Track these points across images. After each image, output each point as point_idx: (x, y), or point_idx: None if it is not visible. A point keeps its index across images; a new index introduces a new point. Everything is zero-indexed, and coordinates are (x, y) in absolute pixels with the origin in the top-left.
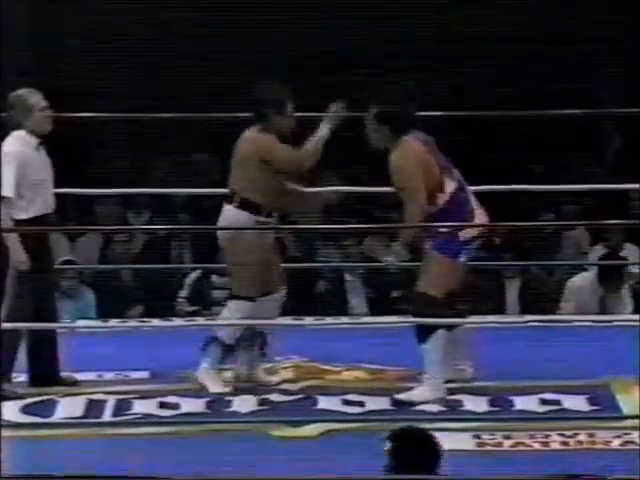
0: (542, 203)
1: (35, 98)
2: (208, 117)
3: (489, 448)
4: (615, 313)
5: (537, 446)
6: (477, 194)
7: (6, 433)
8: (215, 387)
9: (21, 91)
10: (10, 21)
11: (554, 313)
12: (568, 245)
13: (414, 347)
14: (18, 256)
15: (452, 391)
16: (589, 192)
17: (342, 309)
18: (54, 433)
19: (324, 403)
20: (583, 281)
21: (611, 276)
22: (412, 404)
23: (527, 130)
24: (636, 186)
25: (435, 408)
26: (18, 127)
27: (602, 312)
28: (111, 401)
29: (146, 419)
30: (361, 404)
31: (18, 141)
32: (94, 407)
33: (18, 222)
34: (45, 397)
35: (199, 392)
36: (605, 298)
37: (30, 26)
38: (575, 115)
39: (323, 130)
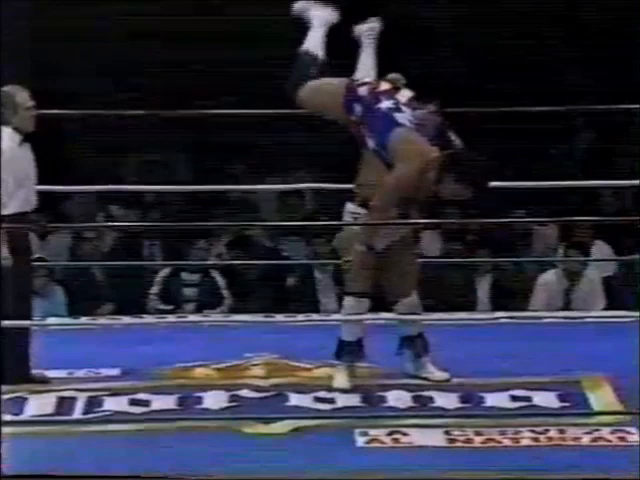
0: (512, 200)
1: (22, 96)
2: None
3: (460, 444)
4: (580, 307)
5: (508, 442)
6: None
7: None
8: (339, 383)
9: (8, 88)
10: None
11: (525, 309)
12: (540, 241)
13: (386, 345)
14: (1, 253)
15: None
16: (560, 189)
17: (313, 306)
18: (23, 430)
19: (295, 400)
20: (551, 277)
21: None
22: None
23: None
24: (607, 183)
25: (406, 404)
26: (5, 123)
27: (566, 305)
28: (82, 398)
29: (117, 416)
30: (332, 401)
31: (5, 137)
32: (64, 404)
33: None
34: (15, 395)
35: (168, 389)
36: (569, 292)
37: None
38: (546, 111)
39: None
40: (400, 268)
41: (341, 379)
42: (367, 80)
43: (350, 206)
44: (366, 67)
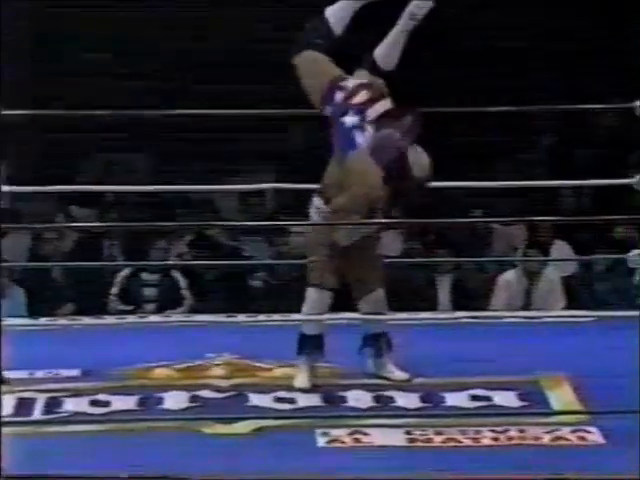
0: (474, 200)
1: None
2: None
3: (420, 444)
4: (540, 306)
5: (468, 442)
6: None
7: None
8: (300, 382)
9: None
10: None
11: (485, 309)
12: (501, 241)
13: (348, 344)
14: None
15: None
16: (522, 188)
17: (275, 306)
18: None
19: (256, 400)
20: (511, 276)
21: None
22: None
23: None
24: (568, 183)
25: (367, 404)
26: None
27: (526, 305)
28: (41, 399)
29: (77, 417)
30: (292, 401)
31: None
32: (24, 405)
33: None
34: None
35: (129, 389)
36: (529, 292)
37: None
38: (506, 111)
39: None
40: (365, 264)
41: (302, 378)
42: (349, 85)
43: (316, 201)
44: (388, 49)
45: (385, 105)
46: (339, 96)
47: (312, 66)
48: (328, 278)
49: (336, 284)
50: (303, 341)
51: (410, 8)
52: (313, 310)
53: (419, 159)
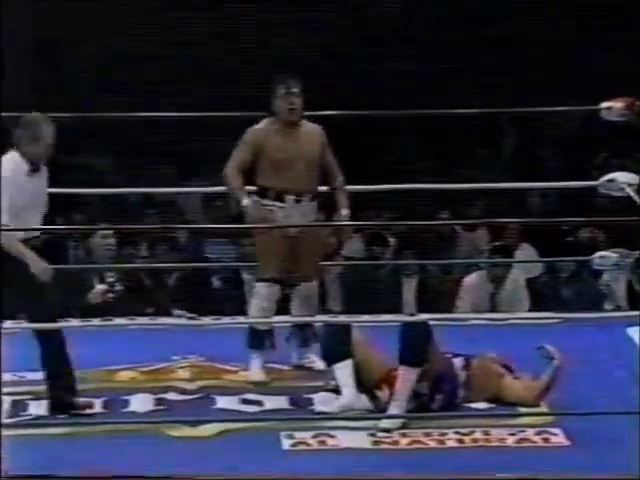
0: (439, 202)
1: (47, 130)
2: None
3: (385, 446)
4: (505, 308)
5: (433, 444)
6: (375, 193)
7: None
8: (254, 375)
9: (37, 116)
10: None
11: (450, 311)
12: (465, 244)
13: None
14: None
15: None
16: (487, 191)
17: (240, 309)
18: None
19: (222, 402)
20: (476, 279)
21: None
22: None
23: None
24: (534, 185)
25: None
26: (16, 147)
27: (492, 308)
28: (6, 402)
29: (42, 420)
30: (259, 403)
31: (13, 165)
32: None
33: None
34: None
35: (95, 392)
36: (494, 294)
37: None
38: (472, 114)
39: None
40: (305, 255)
41: (257, 372)
42: None
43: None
44: None
45: None
46: None
47: None
48: (277, 272)
49: (283, 277)
50: (253, 335)
51: None
52: (264, 304)
53: None
